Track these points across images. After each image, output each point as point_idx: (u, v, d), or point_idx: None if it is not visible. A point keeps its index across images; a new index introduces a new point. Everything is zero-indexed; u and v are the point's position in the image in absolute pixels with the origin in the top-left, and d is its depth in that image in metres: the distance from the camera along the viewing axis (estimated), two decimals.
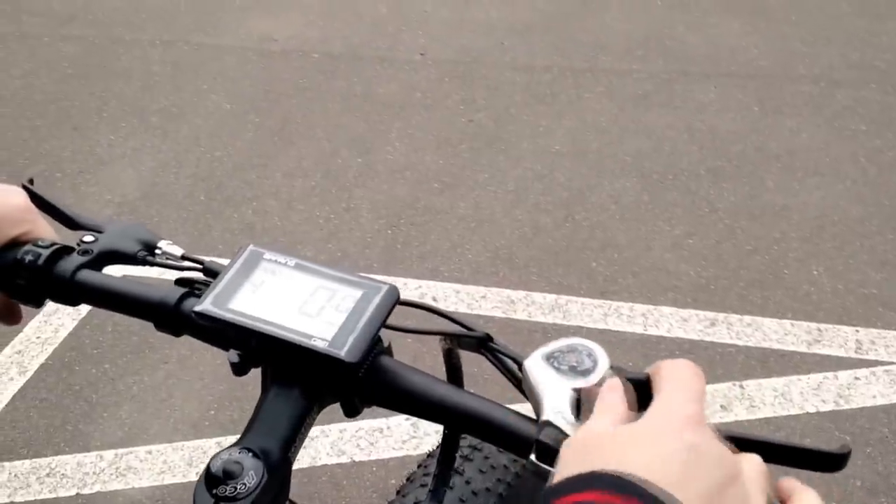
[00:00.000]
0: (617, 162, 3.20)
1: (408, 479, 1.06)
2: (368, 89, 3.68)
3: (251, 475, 0.52)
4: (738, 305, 2.52)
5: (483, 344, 0.62)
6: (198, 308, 0.59)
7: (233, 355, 0.59)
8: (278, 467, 0.54)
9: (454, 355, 0.69)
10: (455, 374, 0.70)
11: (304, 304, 0.59)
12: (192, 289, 0.65)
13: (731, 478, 0.41)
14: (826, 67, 3.84)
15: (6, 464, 2.05)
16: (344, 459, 2.06)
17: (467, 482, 1.00)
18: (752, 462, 0.43)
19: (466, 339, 0.63)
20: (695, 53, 3.97)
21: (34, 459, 2.06)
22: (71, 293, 0.67)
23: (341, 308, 0.58)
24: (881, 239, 2.79)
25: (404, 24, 4.27)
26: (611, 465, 0.39)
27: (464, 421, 0.56)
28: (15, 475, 2.02)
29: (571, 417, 0.50)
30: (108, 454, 2.07)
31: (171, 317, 0.64)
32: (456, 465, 1.00)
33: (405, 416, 2.14)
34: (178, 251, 0.71)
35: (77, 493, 1.97)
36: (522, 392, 0.56)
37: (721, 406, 2.19)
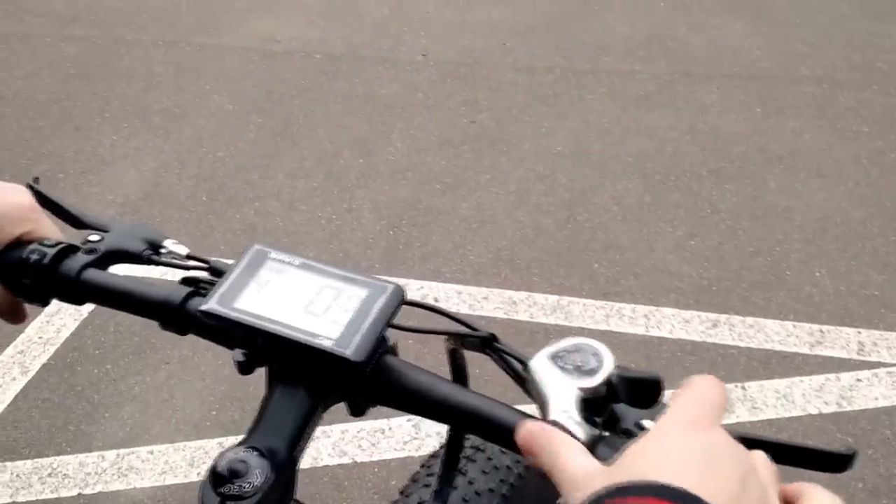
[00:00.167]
0: (619, 163, 3.19)
1: (411, 479, 1.06)
2: (370, 90, 3.68)
3: (257, 474, 0.52)
4: (741, 307, 2.51)
5: (488, 344, 0.62)
6: (203, 307, 0.59)
7: (238, 354, 0.59)
8: (284, 466, 0.54)
9: (459, 355, 0.69)
10: (460, 374, 0.70)
11: (309, 303, 0.59)
12: (197, 288, 0.65)
13: (748, 472, 0.41)
14: (828, 69, 3.84)
15: (8, 464, 2.05)
16: (346, 460, 2.05)
17: (470, 482, 1.00)
18: (760, 458, 0.44)
19: (471, 339, 0.63)
20: (697, 54, 3.97)
21: (36, 459, 2.06)
22: (76, 292, 0.67)
23: (347, 307, 0.58)
24: (883, 240, 2.79)
25: (406, 24, 4.27)
26: (634, 476, 0.38)
27: (469, 421, 0.56)
28: (17, 475, 2.02)
29: (578, 417, 0.50)
30: (110, 454, 2.07)
31: (177, 316, 0.64)
32: (459, 465, 1.00)
33: (407, 417, 2.14)
34: (184, 250, 0.71)
35: (79, 494, 1.97)
36: (527, 392, 0.56)
37: None
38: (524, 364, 0.57)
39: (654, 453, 0.40)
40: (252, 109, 3.55)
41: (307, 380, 0.58)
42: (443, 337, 0.67)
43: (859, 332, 2.42)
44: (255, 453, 0.53)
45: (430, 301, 2.50)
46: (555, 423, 0.50)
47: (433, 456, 1.09)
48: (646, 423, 0.51)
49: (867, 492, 1.96)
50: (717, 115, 3.50)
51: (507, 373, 0.60)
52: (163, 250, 0.71)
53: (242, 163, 3.20)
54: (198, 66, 3.87)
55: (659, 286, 2.59)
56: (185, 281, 0.66)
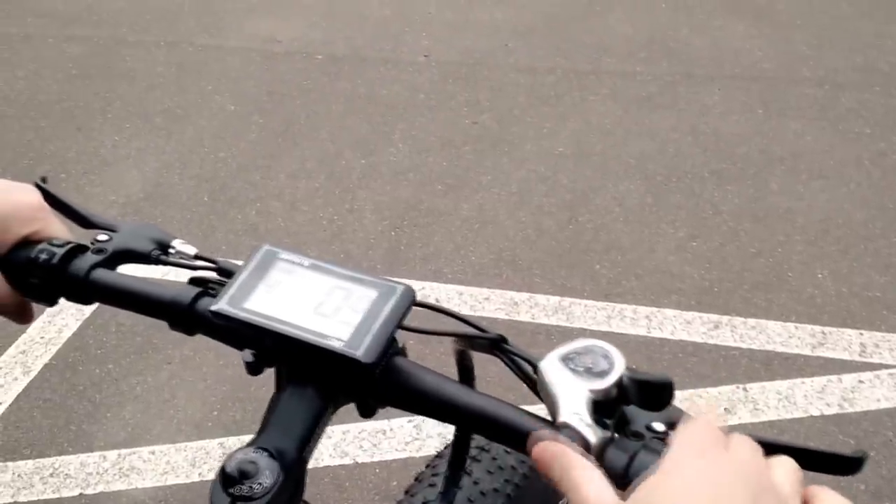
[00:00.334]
0: (621, 164, 3.19)
1: (416, 479, 1.06)
2: (372, 91, 3.68)
3: (267, 475, 0.51)
4: (742, 308, 2.51)
5: (497, 346, 0.62)
6: (214, 307, 0.59)
7: (247, 355, 0.59)
8: (294, 467, 0.54)
9: (466, 357, 0.69)
10: (467, 376, 0.70)
11: (319, 304, 0.59)
12: (206, 288, 0.65)
13: (762, 491, 0.41)
14: (830, 70, 3.84)
15: (10, 464, 2.05)
16: (347, 461, 2.05)
17: (475, 482, 1.00)
18: (785, 466, 0.44)
19: (480, 340, 0.63)
20: (699, 56, 3.97)
21: (38, 459, 2.06)
22: (85, 292, 0.67)
23: (357, 308, 0.58)
24: (885, 242, 2.79)
25: (408, 25, 4.27)
26: None
27: (480, 423, 0.56)
28: (18, 475, 2.02)
29: (589, 419, 0.50)
30: (112, 454, 2.07)
31: (186, 316, 0.64)
32: (464, 465, 1.00)
33: (408, 418, 2.14)
34: (192, 250, 0.71)
35: (80, 494, 1.97)
36: (537, 394, 0.56)
37: (725, 409, 2.18)
38: (534, 366, 0.57)
39: (667, 488, 0.41)
40: (254, 110, 3.55)
41: (317, 381, 0.58)
42: (447, 338, 0.67)
43: (861, 334, 2.42)
44: (264, 454, 0.53)
45: (431, 302, 2.49)
46: (565, 426, 0.50)
47: (438, 456, 1.09)
48: (656, 425, 0.51)
49: (869, 494, 1.96)
50: (718, 117, 3.50)
51: (517, 374, 0.60)
52: (171, 250, 0.71)
53: (244, 163, 3.20)
54: (200, 67, 3.87)
55: (660, 287, 2.59)
56: (194, 281, 0.66)
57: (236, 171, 3.16)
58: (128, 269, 0.70)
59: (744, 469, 0.42)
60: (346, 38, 4.15)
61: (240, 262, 0.64)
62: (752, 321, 2.46)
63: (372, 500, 1.98)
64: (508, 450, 1.04)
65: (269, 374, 0.62)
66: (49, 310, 2.47)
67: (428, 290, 2.57)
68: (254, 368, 0.59)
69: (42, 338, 2.40)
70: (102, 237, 0.70)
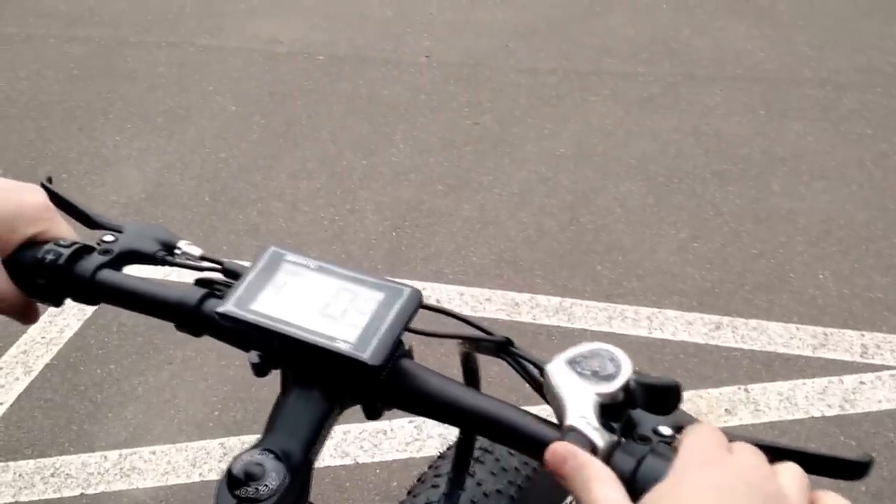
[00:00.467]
0: (622, 165, 3.19)
1: (419, 480, 1.06)
2: (373, 91, 3.69)
3: (273, 477, 0.52)
4: (744, 309, 2.51)
5: (503, 349, 0.62)
6: (220, 309, 0.59)
7: (253, 356, 0.59)
8: (300, 469, 0.54)
9: (472, 359, 0.69)
10: (472, 378, 0.70)
11: (326, 306, 0.59)
12: (211, 289, 0.65)
13: (770, 495, 0.42)
14: (832, 71, 3.84)
15: (11, 464, 2.05)
16: (347, 461, 2.05)
17: (478, 484, 1.00)
18: (791, 472, 0.44)
19: (486, 343, 0.63)
20: (700, 56, 3.97)
21: (39, 459, 2.06)
22: (91, 293, 0.67)
23: (364, 310, 0.58)
24: (887, 243, 2.79)
25: (409, 26, 4.27)
26: None
27: (485, 425, 0.56)
28: (20, 475, 2.02)
29: (596, 423, 0.50)
30: (113, 454, 2.07)
31: (192, 317, 0.64)
32: (467, 467, 1.00)
33: (409, 419, 2.14)
34: (197, 251, 0.71)
35: (81, 494, 1.97)
36: (543, 397, 0.56)
37: (726, 410, 2.18)
38: (540, 369, 0.57)
39: (675, 494, 0.42)
40: (255, 110, 3.55)
41: (323, 383, 0.58)
42: (451, 340, 0.66)
43: (863, 335, 2.42)
44: (270, 456, 0.53)
45: (432, 302, 2.49)
46: (572, 429, 0.50)
47: (441, 457, 1.09)
48: (663, 429, 0.51)
49: (870, 495, 1.96)
50: (720, 118, 3.50)
51: (523, 377, 0.60)
52: (177, 251, 0.71)
53: (245, 164, 3.20)
54: (201, 68, 3.87)
55: (662, 288, 2.59)
56: (200, 282, 0.66)
57: (237, 171, 3.16)
58: (131, 269, 0.70)
59: (750, 475, 0.42)
60: (347, 38, 4.15)
61: (245, 263, 0.64)
62: (753, 322, 2.46)
63: (372, 500, 1.98)
64: (512, 451, 1.04)
65: (274, 373, 0.62)
66: (51, 310, 2.47)
67: (429, 291, 2.57)
68: (260, 370, 0.59)
69: (43, 338, 2.40)
70: (108, 238, 0.70)
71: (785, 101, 3.61)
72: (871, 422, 2.15)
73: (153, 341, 2.38)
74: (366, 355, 0.55)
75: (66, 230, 0.70)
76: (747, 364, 2.32)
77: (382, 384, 0.58)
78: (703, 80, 3.78)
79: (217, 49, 4.03)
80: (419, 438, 2.11)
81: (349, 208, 2.95)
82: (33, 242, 0.68)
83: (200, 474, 2.01)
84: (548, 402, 0.54)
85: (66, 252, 0.67)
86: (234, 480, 0.51)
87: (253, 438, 0.56)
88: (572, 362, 0.53)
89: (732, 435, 0.47)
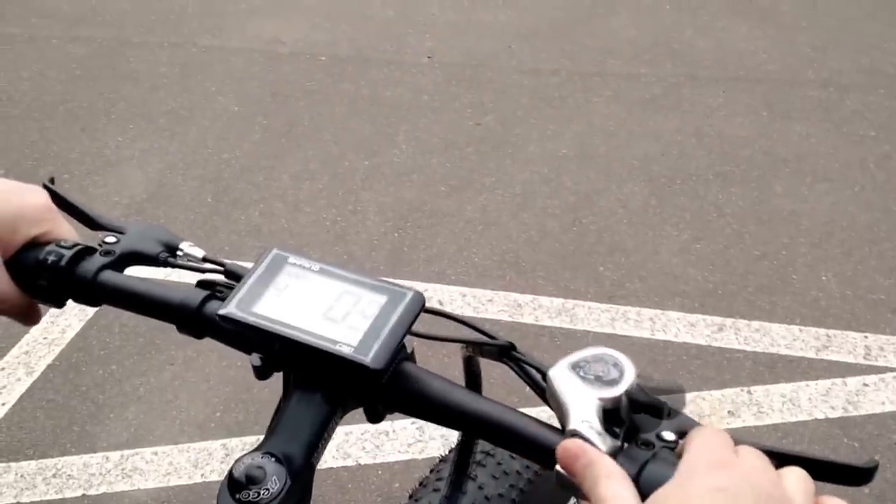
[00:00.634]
0: (624, 166, 3.19)
1: (420, 484, 1.06)
2: (375, 92, 3.68)
3: (274, 480, 0.51)
4: (746, 311, 2.51)
5: (506, 353, 0.62)
6: (222, 311, 0.59)
7: (255, 359, 0.59)
8: (301, 473, 0.54)
9: (474, 363, 0.69)
10: (474, 382, 0.70)
11: (328, 309, 0.59)
12: (213, 291, 0.65)
13: (775, 499, 0.42)
14: (835, 72, 3.83)
15: (13, 464, 2.05)
16: (349, 462, 2.05)
17: (480, 487, 1.00)
18: (796, 476, 0.44)
19: (489, 347, 0.63)
20: (703, 57, 3.97)
21: (40, 460, 2.06)
22: (93, 294, 0.67)
23: (366, 314, 0.58)
24: (890, 245, 2.78)
25: (411, 27, 4.27)
26: None
27: (488, 429, 0.56)
28: (21, 476, 2.02)
29: (599, 427, 0.50)
30: (114, 455, 2.07)
31: (194, 319, 0.63)
32: (468, 470, 1.00)
33: (411, 420, 2.13)
34: (200, 253, 0.70)
35: (83, 494, 1.97)
36: (546, 401, 0.56)
37: (729, 412, 2.18)
38: (543, 373, 0.56)
39: (680, 497, 0.42)
40: (257, 111, 3.55)
41: (325, 386, 0.58)
42: (452, 343, 0.66)
43: (866, 337, 2.41)
44: (272, 459, 0.53)
45: (433, 304, 2.50)
46: (575, 433, 0.50)
47: (442, 460, 1.08)
48: (666, 434, 0.51)
49: (874, 497, 1.96)
50: (722, 119, 3.49)
51: (526, 382, 0.60)
52: (179, 253, 0.71)
53: (247, 164, 3.20)
54: (203, 68, 3.87)
55: (664, 289, 2.59)
56: (202, 284, 0.66)
57: (240, 172, 3.15)
58: (132, 270, 0.70)
59: (757, 479, 0.42)
60: (349, 39, 4.15)
61: (247, 265, 0.64)
62: (756, 324, 2.46)
63: (374, 501, 1.98)
64: (513, 455, 1.03)
65: (276, 376, 0.61)
66: (52, 310, 2.47)
67: (431, 292, 2.57)
68: (261, 373, 0.59)
69: (45, 338, 2.40)
70: (110, 239, 0.70)
71: (787, 103, 3.60)
72: (875, 424, 2.14)
73: (155, 342, 2.38)
74: (368, 359, 0.55)
75: (68, 231, 0.70)
76: (750, 366, 2.32)
77: (384, 388, 0.58)
78: (706, 81, 3.77)
79: (219, 49, 4.03)
80: (421, 440, 2.11)
81: (351, 209, 2.94)
82: (35, 243, 0.68)
83: (202, 475, 2.01)
84: (550, 407, 0.54)
85: (68, 253, 0.66)
86: (236, 484, 0.51)
87: (255, 439, 0.56)
88: (575, 367, 0.53)
89: (737, 439, 0.47)
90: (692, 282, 2.62)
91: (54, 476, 2.02)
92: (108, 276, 0.67)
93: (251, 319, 0.58)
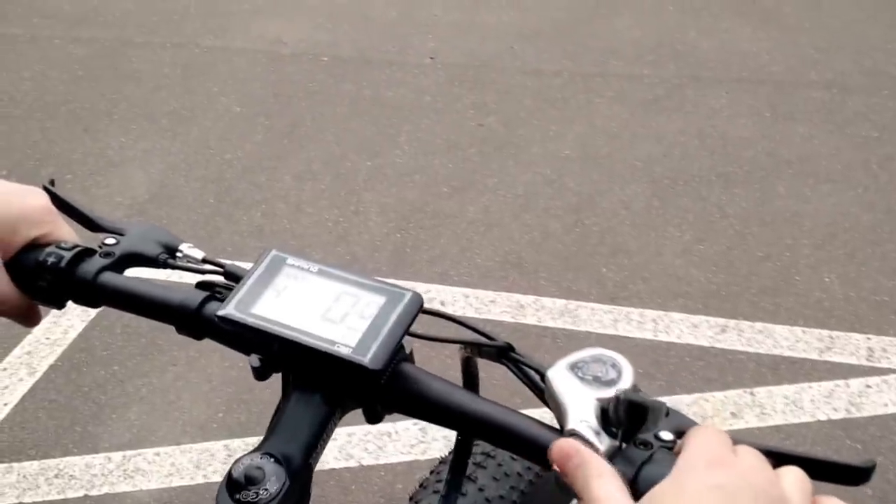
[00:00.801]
0: (627, 167, 3.19)
1: (420, 486, 1.06)
2: (378, 93, 3.69)
3: (273, 481, 0.51)
4: (749, 312, 2.50)
5: (504, 354, 0.62)
6: (220, 312, 0.59)
7: (254, 360, 0.59)
8: (300, 473, 0.54)
9: (472, 364, 0.69)
10: (472, 383, 0.70)
11: (327, 309, 0.59)
12: (213, 292, 0.65)
13: (772, 498, 0.42)
14: (838, 74, 3.83)
15: (15, 465, 2.05)
16: (352, 463, 2.05)
17: (480, 489, 1.00)
18: (793, 476, 0.44)
19: (487, 348, 0.63)
20: (706, 59, 3.96)
21: (43, 460, 2.06)
22: (93, 295, 0.67)
23: (365, 314, 0.58)
24: (893, 246, 2.78)
25: (414, 27, 4.27)
26: None
27: (486, 430, 0.56)
28: (23, 476, 2.02)
29: (597, 427, 0.50)
30: (117, 456, 2.07)
31: (193, 320, 0.64)
32: (469, 472, 1.00)
33: (413, 421, 2.13)
34: (199, 254, 0.71)
35: (85, 495, 1.97)
36: (544, 402, 0.56)
37: (731, 413, 2.18)
38: (541, 374, 0.56)
39: (677, 495, 0.42)
40: (259, 111, 3.55)
41: (324, 386, 0.58)
42: (452, 344, 0.66)
43: (869, 338, 2.41)
44: (271, 460, 0.53)
45: (436, 305, 2.50)
46: (573, 433, 0.50)
47: (443, 462, 1.08)
48: (664, 434, 0.51)
49: (876, 499, 1.95)
50: (725, 120, 3.49)
51: (524, 382, 0.60)
52: (178, 254, 0.71)
53: (250, 165, 3.20)
54: (206, 69, 3.88)
55: (667, 291, 2.58)
56: (201, 285, 0.66)
57: (242, 172, 3.16)
58: (132, 272, 0.70)
59: (754, 478, 0.42)
60: (351, 40, 4.15)
61: (248, 266, 0.64)
62: (759, 325, 2.46)
63: (377, 502, 1.98)
64: (514, 456, 1.03)
65: (275, 377, 0.61)
66: (54, 311, 2.47)
67: (434, 293, 2.56)
68: (260, 374, 0.59)
69: (47, 339, 2.40)
70: (110, 240, 0.70)
71: (790, 104, 3.60)
72: (878, 425, 2.14)
73: (157, 342, 2.39)
74: (366, 359, 0.55)
75: (68, 233, 0.70)
76: (753, 367, 2.31)
77: (383, 388, 0.58)
78: (709, 82, 3.77)
79: (222, 50, 4.04)
80: (424, 441, 2.11)
81: (353, 210, 2.94)
82: (35, 245, 0.68)
83: (204, 476, 2.01)
84: (549, 407, 0.54)
85: (68, 255, 0.67)
86: (234, 484, 0.51)
87: (257, 440, 0.56)
88: (574, 367, 0.54)
89: (736, 438, 0.47)
90: (695, 283, 2.62)
91: (56, 476, 2.02)
92: (108, 277, 0.67)
93: (250, 320, 0.58)
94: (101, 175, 3.13)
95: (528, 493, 1.02)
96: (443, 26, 4.28)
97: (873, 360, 2.34)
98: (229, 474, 0.52)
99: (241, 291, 0.60)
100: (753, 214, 2.93)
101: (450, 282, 2.62)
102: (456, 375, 0.66)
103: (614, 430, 0.51)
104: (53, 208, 0.70)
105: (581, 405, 0.51)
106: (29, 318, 0.70)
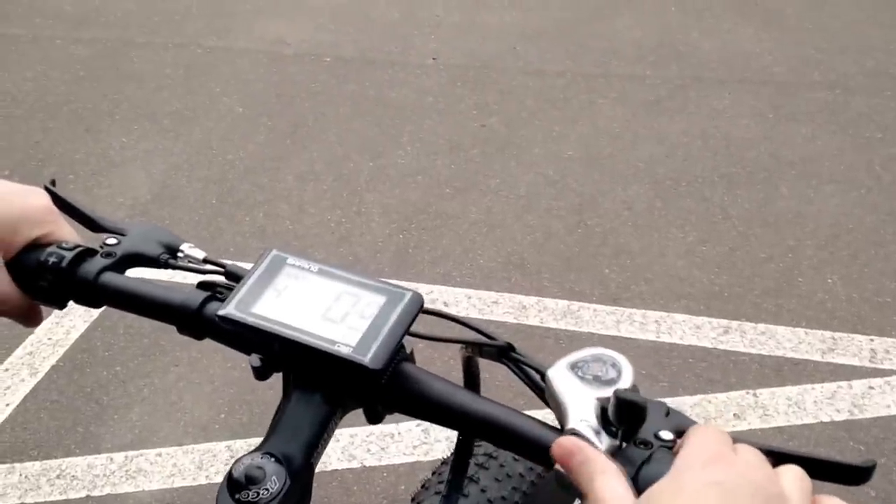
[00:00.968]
0: (629, 168, 3.19)
1: (422, 486, 1.06)
2: (380, 93, 3.68)
3: (274, 480, 0.51)
4: (752, 313, 2.50)
5: (505, 353, 0.62)
6: (221, 312, 0.59)
7: (255, 360, 0.59)
8: (301, 473, 0.53)
9: (473, 364, 0.69)
10: (473, 383, 0.70)
11: (327, 309, 0.59)
12: (214, 292, 0.65)
13: (772, 497, 0.41)
14: (841, 74, 3.82)
15: (17, 465, 2.05)
16: (355, 464, 2.05)
17: (482, 490, 1.00)
18: (793, 474, 0.44)
19: (488, 348, 0.63)
20: (708, 59, 3.96)
21: (45, 461, 2.06)
22: (94, 295, 0.67)
23: (365, 314, 0.58)
24: None
25: (416, 28, 4.27)
26: None
27: (487, 430, 0.56)
28: (25, 476, 2.02)
29: (597, 426, 0.50)
30: (119, 456, 2.07)
31: (194, 320, 0.63)
32: (471, 472, 1.00)
33: (416, 422, 2.13)
34: (201, 254, 0.71)
35: (87, 496, 1.97)
36: (545, 401, 0.56)
37: (734, 414, 2.17)
38: (542, 374, 0.56)
39: (676, 492, 0.42)
40: (262, 112, 3.55)
41: (324, 386, 0.58)
42: (453, 344, 0.66)
43: (872, 340, 2.40)
44: (271, 460, 0.52)
45: (439, 305, 2.49)
46: (573, 432, 0.50)
47: (444, 462, 1.08)
48: (664, 433, 0.51)
49: (880, 500, 1.95)
50: (728, 121, 3.48)
51: (525, 382, 0.60)
52: (180, 254, 0.71)
53: (252, 165, 3.20)
54: (208, 69, 3.88)
55: (670, 292, 2.58)
56: (202, 285, 0.66)
57: (244, 173, 3.16)
58: (133, 272, 0.70)
59: (752, 477, 0.42)
60: (353, 40, 4.15)
61: (248, 266, 0.64)
62: (761, 326, 2.45)
63: (379, 503, 1.97)
64: (516, 457, 1.03)
65: (277, 377, 0.61)
66: (56, 311, 2.47)
67: (436, 294, 2.56)
68: (261, 373, 0.59)
69: (49, 339, 2.40)
70: (111, 240, 0.70)
71: (793, 105, 3.59)
72: (881, 427, 2.13)
73: (159, 343, 2.38)
74: (367, 359, 0.55)
75: (70, 233, 0.70)
76: (756, 368, 2.31)
77: (383, 388, 0.58)
78: (711, 82, 3.76)
79: (224, 50, 4.04)
80: (426, 442, 2.10)
81: (356, 210, 2.94)
82: (36, 245, 0.68)
83: (206, 476, 2.01)
84: (549, 407, 0.54)
85: (69, 255, 0.67)
86: (235, 484, 0.51)
87: (259, 441, 0.56)
88: (574, 367, 0.54)
89: (736, 438, 0.47)
90: (698, 284, 2.61)
91: (58, 477, 2.02)
92: (109, 277, 0.67)
93: (250, 320, 0.58)
94: (102, 175, 3.14)
95: (530, 494, 1.02)
96: (445, 27, 4.28)
97: (876, 362, 2.33)
98: (230, 474, 0.51)
99: (242, 291, 0.60)
100: (756, 215, 2.92)
101: (452, 283, 2.62)
102: (458, 376, 0.66)
103: (614, 429, 0.51)
104: (55, 208, 0.70)
105: (581, 404, 0.51)
106: (30, 319, 0.70)
